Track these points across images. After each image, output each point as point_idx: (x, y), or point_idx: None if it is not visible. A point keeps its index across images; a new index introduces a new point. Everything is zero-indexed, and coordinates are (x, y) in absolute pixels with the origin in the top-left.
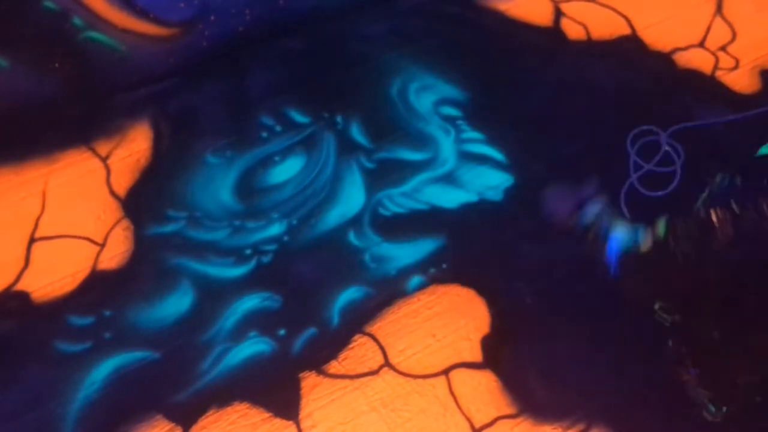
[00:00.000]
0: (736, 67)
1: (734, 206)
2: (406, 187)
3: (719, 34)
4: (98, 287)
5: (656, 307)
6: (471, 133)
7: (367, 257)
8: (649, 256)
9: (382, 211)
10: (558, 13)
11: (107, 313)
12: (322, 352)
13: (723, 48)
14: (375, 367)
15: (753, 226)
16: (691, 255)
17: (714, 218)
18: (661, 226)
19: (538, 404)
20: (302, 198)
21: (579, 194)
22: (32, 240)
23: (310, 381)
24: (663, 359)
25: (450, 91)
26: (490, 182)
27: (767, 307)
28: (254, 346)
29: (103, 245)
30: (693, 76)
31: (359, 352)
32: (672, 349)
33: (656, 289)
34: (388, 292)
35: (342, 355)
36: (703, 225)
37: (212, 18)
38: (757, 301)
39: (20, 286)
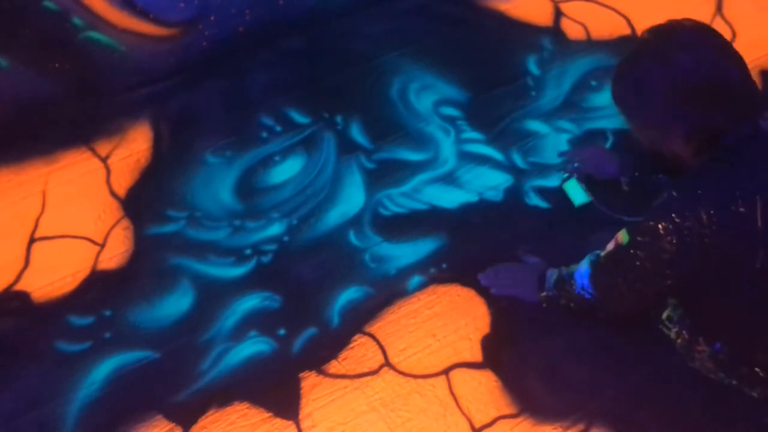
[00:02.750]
0: None
1: (674, 217)
2: (406, 187)
3: None
4: (98, 287)
5: (663, 317)
6: (471, 133)
7: (367, 257)
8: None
9: (382, 211)
10: (558, 13)
11: (107, 313)
12: (322, 352)
13: None
14: (375, 367)
15: (694, 237)
16: (647, 263)
17: (660, 229)
18: (623, 235)
19: (538, 404)
20: (302, 198)
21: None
22: (32, 240)
23: (310, 381)
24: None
25: (450, 91)
26: (490, 182)
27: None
28: (254, 345)
29: (103, 245)
30: None
31: (359, 352)
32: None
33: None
34: (388, 292)
35: (342, 355)
36: (654, 234)
37: (212, 18)
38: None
39: (20, 286)
